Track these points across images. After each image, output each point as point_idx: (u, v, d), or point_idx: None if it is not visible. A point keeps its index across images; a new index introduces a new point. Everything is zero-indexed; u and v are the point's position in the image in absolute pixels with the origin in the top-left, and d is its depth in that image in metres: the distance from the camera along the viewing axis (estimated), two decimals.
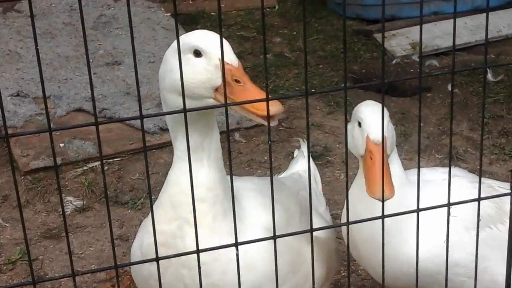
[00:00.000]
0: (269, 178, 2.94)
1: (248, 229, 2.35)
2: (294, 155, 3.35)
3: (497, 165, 4.33)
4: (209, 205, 2.22)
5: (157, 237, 2.33)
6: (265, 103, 1.83)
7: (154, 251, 2.28)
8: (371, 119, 2.39)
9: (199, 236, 2.21)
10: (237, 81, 1.99)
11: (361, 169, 2.57)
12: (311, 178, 3.18)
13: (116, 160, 4.46)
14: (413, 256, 2.55)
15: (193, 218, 2.19)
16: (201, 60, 2.02)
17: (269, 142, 2.03)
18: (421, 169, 2.88)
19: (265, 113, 1.82)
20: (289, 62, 5.85)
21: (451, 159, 2.21)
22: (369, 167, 2.35)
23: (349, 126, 2.50)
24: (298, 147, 4.60)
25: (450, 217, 2.39)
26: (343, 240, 2.80)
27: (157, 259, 2.05)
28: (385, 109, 2.39)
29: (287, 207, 2.63)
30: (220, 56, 1.97)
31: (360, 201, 2.51)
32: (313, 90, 5.14)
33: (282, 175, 3.26)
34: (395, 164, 2.54)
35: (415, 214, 2.54)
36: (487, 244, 2.62)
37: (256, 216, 2.43)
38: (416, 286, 2.44)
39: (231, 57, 2.01)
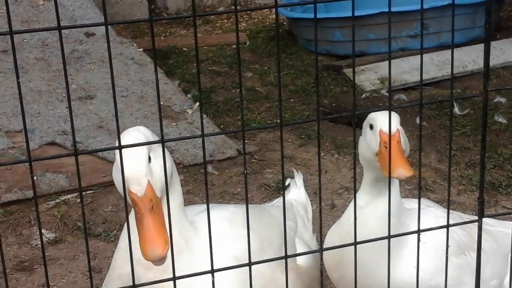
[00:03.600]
0: (244, 205, 2.98)
1: (216, 259, 2.37)
2: (286, 183, 3.40)
3: (465, 195, 4.42)
4: None
5: (117, 281, 2.39)
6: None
7: None
8: (382, 116, 2.47)
9: (152, 276, 2.25)
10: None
11: (361, 191, 2.63)
12: (302, 207, 3.23)
13: (89, 193, 4.46)
14: (403, 280, 2.58)
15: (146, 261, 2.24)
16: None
17: (246, 172, 2.09)
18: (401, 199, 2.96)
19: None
20: (261, 96, 5.94)
21: (420, 189, 2.28)
22: (384, 155, 2.39)
23: (361, 138, 2.57)
24: (274, 180, 4.66)
25: (420, 243, 2.46)
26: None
27: (133, 286, 2.09)
28: (396, 114, 2.52)
29: (263, 235, 2.66)
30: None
31: (358, 223, 2.56)
32: (287, 122, 5.23)
33: (273, 202, 3.32)
34: (393, 191, 2.58)
35: (407, 242, 2.60)
36: (464, 269, 2.71)
37: (224, 245, 2.47)
38: None
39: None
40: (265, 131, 5.31)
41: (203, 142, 1.96)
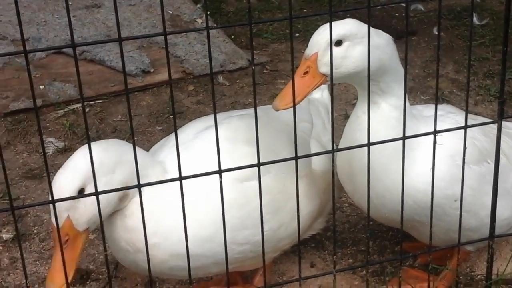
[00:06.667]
0: (250, 113, 2.83)
1: (216, 183, 2.17)
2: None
3: (483, 106, 4.31)
4: None
5: None
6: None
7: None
8: (320, 31, 2.35)
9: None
10: None
11: (358, 102, 2.50)
12: (323, 108, 3.09)
13: (98, 102, 4.38)
14: (416, 186, 2.48)
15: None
16: None
17: (253, 67, 2.02)
18: (416, 106, 2.84)
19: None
20: (273, 7, 5.76)
21: (437, 92, 2.17)
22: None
23: None
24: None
25: (437, 145, 2.36)
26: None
27: (139, 186, 2.06)
28: (345, 27, 2.32)
29: (270, 147, 2.55)
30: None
31: (359, 129, 2.46)
32: (297, 15, 5.10)
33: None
34: (393, 96, 2.46)
35: (419, 145, 2.48)
36: (486, 178, 2.58)
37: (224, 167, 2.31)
38: (401, 218, 2.41)
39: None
40: (277, 41, 5.17)
41: (209, 54, 1.93)
